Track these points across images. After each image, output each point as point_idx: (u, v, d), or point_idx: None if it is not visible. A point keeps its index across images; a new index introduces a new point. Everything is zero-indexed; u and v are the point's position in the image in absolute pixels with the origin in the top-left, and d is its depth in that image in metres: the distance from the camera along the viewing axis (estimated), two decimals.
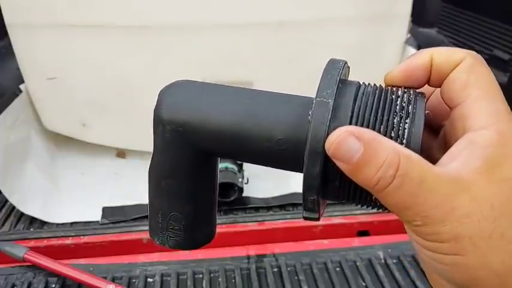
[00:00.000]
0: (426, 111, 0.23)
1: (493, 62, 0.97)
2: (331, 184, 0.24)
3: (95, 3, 0.93)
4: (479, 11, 1.02)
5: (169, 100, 0.27)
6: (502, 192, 0.20)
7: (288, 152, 0.25)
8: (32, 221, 0.85)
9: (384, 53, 1.08)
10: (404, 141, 0.22)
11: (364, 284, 0.71)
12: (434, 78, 0.24)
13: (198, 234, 0.31)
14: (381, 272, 0.73)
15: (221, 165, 0.89)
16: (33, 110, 1.03)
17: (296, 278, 0.72)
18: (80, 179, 1.02)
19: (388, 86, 0.25)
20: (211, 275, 0.72)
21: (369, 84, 0.25)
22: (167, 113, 0.27)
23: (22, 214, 0.85)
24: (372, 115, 0.23)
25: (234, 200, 0.89)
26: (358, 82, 0.25)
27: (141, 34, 0.97)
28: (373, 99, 0.23)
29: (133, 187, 0.98)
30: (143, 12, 0.96)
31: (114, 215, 0.87)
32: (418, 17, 1.15)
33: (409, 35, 1.10)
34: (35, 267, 0.72)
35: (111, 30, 0.96)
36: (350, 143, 0.21)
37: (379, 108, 0.23)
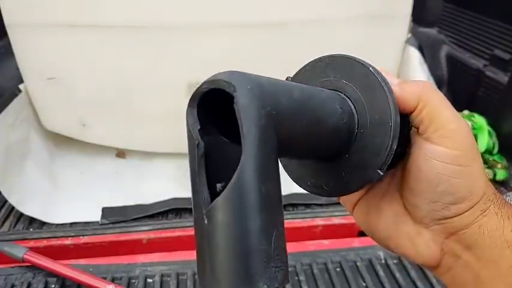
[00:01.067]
0: None
1: (494, 62, 0.97)
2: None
3: (95, 3, 0.93)
4: (480, 11, 1.02)
5: (251, 82, 0.23)
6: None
7: (346, 124, 0.28)
8: (32, 221, 0.84)
9: (385, 52, 1.07)
10: None
11: (364, 284, 0.71)
12: None
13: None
14: (381, 272, 0.73)
15: None
16: (33, 109, 1.03)
17: (296, 278, 0.72)
18: (79, 179, 1.01)
19: None
20: None
21: None
22: (260, 94, 0.22)
23: (21, 214, 0.85)
24: None
25: None
26: None
27: (141, 34, 0.97)
28: None
29: (133, 187, 0.98)
30: (143, 13, 0.95)
31: (113, 215, 0.87)
32: (419, 16, 1.15)
33: (409, 35, 1.10)
34: (35, 268, 0.72)
35: (111, 30, 0.96)
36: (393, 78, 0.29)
37: None
